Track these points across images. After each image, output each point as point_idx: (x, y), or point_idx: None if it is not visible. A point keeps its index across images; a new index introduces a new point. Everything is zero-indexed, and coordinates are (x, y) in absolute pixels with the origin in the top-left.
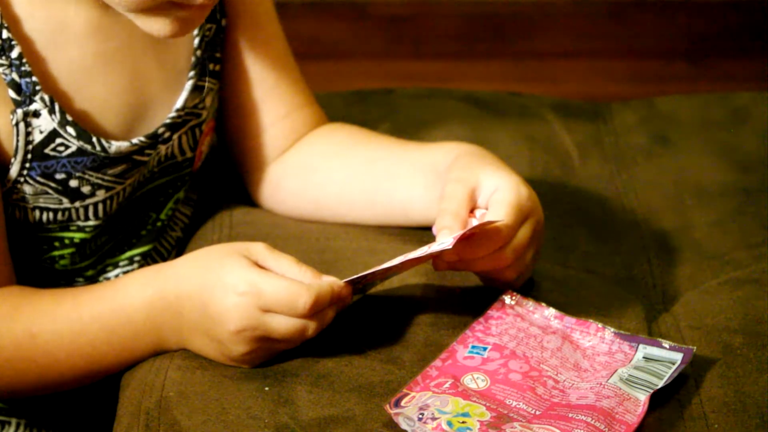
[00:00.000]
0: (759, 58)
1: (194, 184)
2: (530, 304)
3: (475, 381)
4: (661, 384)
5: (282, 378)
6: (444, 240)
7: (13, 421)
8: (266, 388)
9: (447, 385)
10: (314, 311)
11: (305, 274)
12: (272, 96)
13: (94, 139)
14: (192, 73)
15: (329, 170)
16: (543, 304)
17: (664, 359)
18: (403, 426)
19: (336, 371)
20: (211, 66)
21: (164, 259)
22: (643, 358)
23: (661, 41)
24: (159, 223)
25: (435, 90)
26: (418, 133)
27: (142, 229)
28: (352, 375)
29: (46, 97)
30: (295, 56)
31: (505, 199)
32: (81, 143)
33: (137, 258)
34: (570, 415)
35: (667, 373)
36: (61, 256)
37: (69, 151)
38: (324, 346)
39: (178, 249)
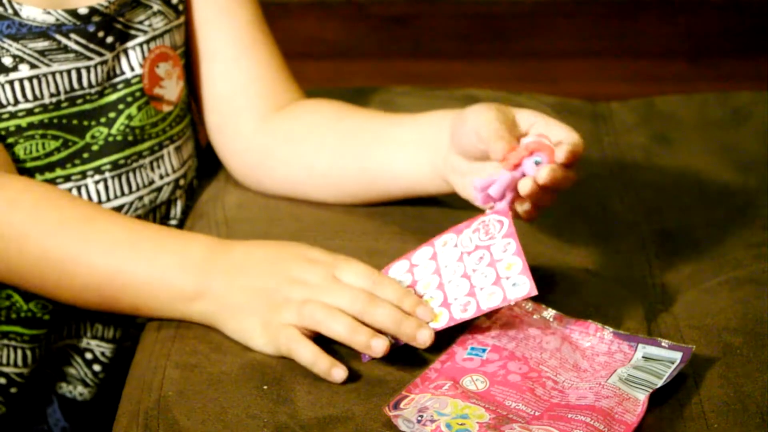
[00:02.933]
0: (759, 58)
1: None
2: (529, 305)
3: (474, 383)
4: (660, 383)
5: (281, 377)
6: (520, 281)
7: None
8: (265, 387)
9: (446, 387)
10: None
11: None
12: (245, 57)
13: (5, 1)
14: None
15: (320, 137)
16: (542, 305)
17: (664, 358)
18: (402, 428)
19: None
20: None
21: (132, 190)
22: (643, 357)
23: (661, 41)
24: (111, 138)
25: (435, 89)
26: None
27: (94, 144)
28: (351, 375)
29: None
30: (295, 56)
31: (551, 120)
32: None
33: (90, 172)
34: (569, 415)
35: (667, 373)
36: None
37: None
38: (323, 347)
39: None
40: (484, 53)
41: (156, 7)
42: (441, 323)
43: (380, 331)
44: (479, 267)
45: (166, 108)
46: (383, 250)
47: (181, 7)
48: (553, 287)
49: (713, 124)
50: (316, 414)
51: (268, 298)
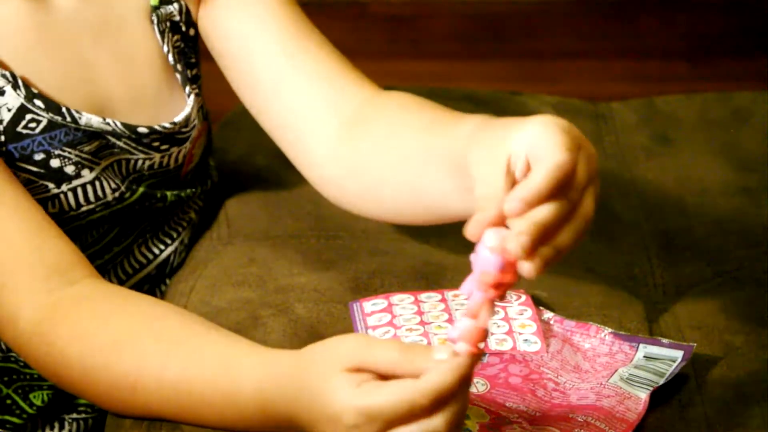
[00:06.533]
0: (759, 58)
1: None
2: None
3: (475, 385)
4: (662, 381)
5: None
6: (532, 339)
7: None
8: None
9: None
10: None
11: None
12: (300, 60)
13: (64, 110)
14: (188, 90)
15: (379, 168)
16: (542, 308)
17: (665, 357)
18: None
19: None
20: (191, 72)
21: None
22: (644, 357)
23: (661, 41)
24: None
25: (435, 89)
26: None
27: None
28: None
29: (7, 74)
30: None
31: (549, 139)
32: (51, 115)
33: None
34: (570, 415)
35: (668, 371)
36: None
37: (41, 126)
38: None
39: (182, 250)
40: (484, 53)
41: (193, 95)
42: None
43: None
44: (493, 319)
45: (189, 167)
46: (384, 250)
47: (195, 75)
48: (553, 287)
49: (714, 124)
50: None
51: None
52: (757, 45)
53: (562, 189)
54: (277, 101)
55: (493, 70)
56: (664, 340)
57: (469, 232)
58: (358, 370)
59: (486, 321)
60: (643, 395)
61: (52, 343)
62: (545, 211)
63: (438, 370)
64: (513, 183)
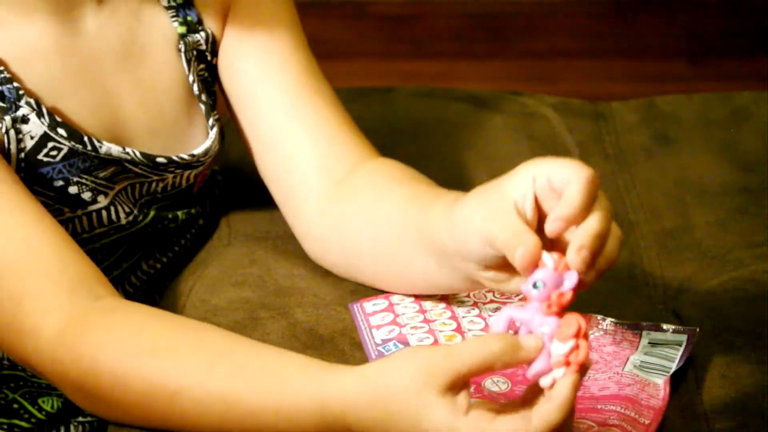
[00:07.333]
0: (759, 58)
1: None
2: None
3: (497, 384)
4: (674, 366)
5: None
6: None
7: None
8: None
9: (471, 389)
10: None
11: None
12: (300, 117)
13: (86, 139)
14: (212, 121)
15: (361, 232)
16: None
17: (670, 341)
18: None
19: None
20: (211, 99)
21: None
22: (649, 343)
23: (661, 41)
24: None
25: (435, 89)
26: (418, 131)
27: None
28: None
29: (32, 101)
30: None
31: (566, 164)
32: (72, 143)
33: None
34: (599, 406)
35: (677, 355)
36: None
37: (62, 154)
38: (336, 348)
39: (185, 255)
40: (484, 53)
41: (213, 133)
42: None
43: None
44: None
45: (201, 185)
46: None
47: (214, 101)
48: None
49: (714, 124)
50: None
51: None
52: (757, 45)
53: (593, 203)
54: (274, 150)
55: (493, 70)
56: (665, 326)
57: (524, 265)
58: (453, 385)
59: (588, 340)
60: (660, 381)
61: (80, 351)
62: (593, 223)
63: (549, 406)
64: (527, 222)
